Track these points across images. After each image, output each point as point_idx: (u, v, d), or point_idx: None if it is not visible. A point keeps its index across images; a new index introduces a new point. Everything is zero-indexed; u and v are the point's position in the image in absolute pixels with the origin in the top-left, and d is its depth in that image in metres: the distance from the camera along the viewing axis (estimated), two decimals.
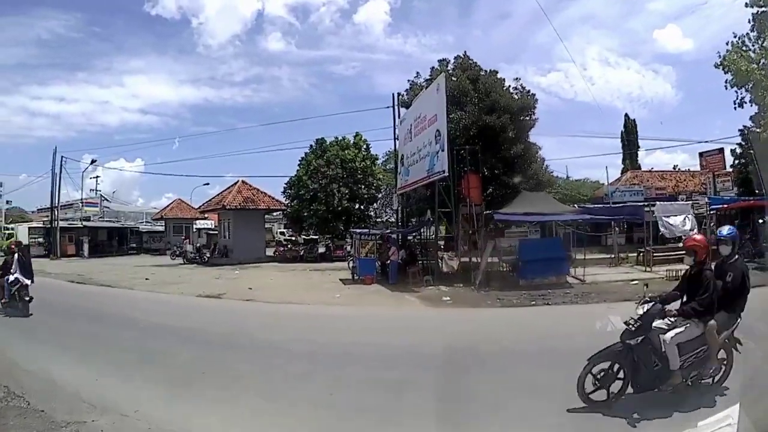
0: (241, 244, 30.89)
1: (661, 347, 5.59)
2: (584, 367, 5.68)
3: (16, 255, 12.86)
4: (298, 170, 33.90)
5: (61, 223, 41.82)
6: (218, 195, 34.95)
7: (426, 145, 19.57)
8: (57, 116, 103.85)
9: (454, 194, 19.17)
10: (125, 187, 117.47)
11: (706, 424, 3.29)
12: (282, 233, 50.99)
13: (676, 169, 42.56)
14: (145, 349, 9.30)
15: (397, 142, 26.35)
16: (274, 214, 42.64)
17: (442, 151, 17.92)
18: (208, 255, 31.93)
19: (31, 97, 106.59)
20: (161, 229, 48.16)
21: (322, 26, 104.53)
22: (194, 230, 44.62)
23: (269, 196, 33.95)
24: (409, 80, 27.01)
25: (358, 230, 23.13)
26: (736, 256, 6.07)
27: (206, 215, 42.55)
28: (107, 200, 58.54)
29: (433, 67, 26.50)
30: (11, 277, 12.38)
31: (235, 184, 33.65)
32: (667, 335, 5.66)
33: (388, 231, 22.25)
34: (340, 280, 20.55)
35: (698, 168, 36.46)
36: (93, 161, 44.52)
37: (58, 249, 39.12)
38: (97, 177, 57.12)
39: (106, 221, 51.03)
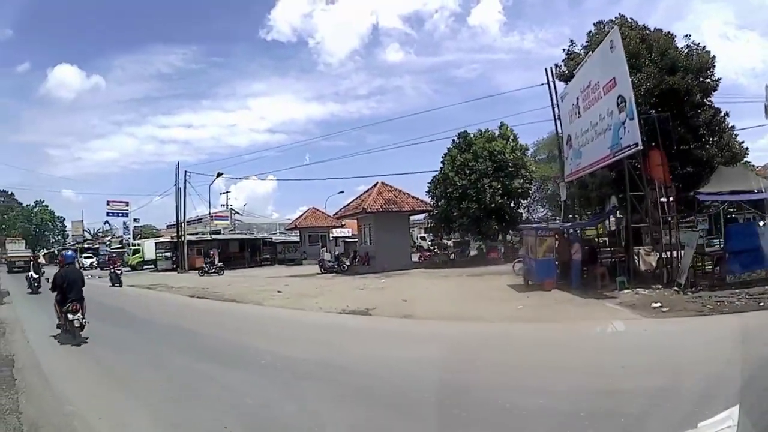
0: (384, 250, 30.47)
1: None
2: None
3: (32, 261, 27.72)
4: (442, 167, 32.77)
5: (189, 237, 44.68)
6: (356, 199, 34.95)
7: (604, 117, 17.66)
8: (186, 142, 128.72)
9: (645, 173, 17.09)
10: (258, 203, 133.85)
11: (706, 424, 3.23)
12: (423, 238, 50.70)
13: None
14: (269, 406, 6.72)
15: (558, 122, 24.40)
16: (413, 218, 42.19)
17: (631, 119, 15.89)
18: (347, 263, 32.17)
19: (159, 126, 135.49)
20: (296, 239, 50.08)
21: (438, 32, 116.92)
22: (330, 238, 45.41)
23: (412, 197, 33.39)
24: (564, 49, 25.43)
25: (533, 225, 21.66)
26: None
27: (343, 222, 43.15)
28: (238, 213, 61.84)
29: (590, 32, 24.79)
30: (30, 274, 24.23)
31: (374, 186, 33.48)
32: None
33: (569, 225, 20.49)
34: (509, 286, 18.85)
35: None
36: (219, 174, 47.01)
37: (185, 262, 41.63)
38: (227, 192, 61.26)
39: (237, 233, 53.58)
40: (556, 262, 18.16)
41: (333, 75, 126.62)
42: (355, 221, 36.23)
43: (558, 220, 27.57)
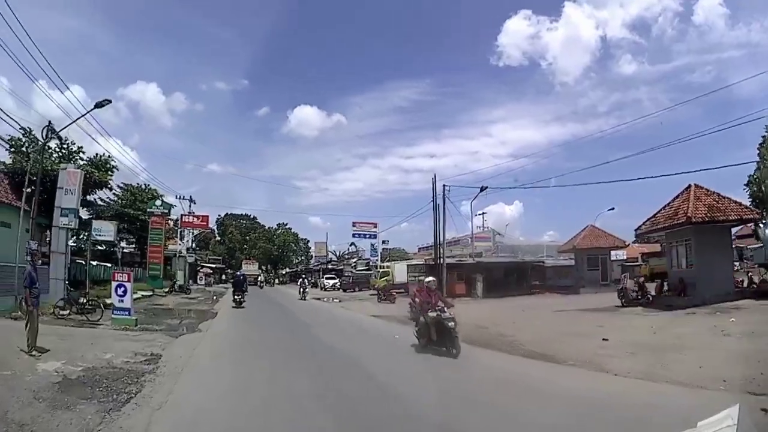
0: (705, 274, 25.33)
1: None
2: None
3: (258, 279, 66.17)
4: (760, 162, 28.20)
5: (448, 260, 43.07)
6: (666, 208, 28.73)
7: None
8: (431, 170, 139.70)
9: None
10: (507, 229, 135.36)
11: (706, 424, 3.07)
12: None
13: None
14: None
15: None
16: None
17: None
18: (652, 293, 28.42)
19: (403, 157, 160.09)
20: (566, 263, 47.15)
21: (666, 36, 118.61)
22: (610, 261, 42.01)
23: (735, 202, 26.92)
24: None
25: None
26: None
27: (626, 242, 39.93)
28: (499, 235, 61.01)
29: None
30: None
31: (687, 189, 27.27)
32: None
33: None
34: None
35: None
36: (483, 188, 44.51)
37: (444, 288, 40.30)
38: (484, 213, 60.76)
39: (501, 256, 52.24)
40: None
41: (570, 94, 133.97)
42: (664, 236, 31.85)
43: None
